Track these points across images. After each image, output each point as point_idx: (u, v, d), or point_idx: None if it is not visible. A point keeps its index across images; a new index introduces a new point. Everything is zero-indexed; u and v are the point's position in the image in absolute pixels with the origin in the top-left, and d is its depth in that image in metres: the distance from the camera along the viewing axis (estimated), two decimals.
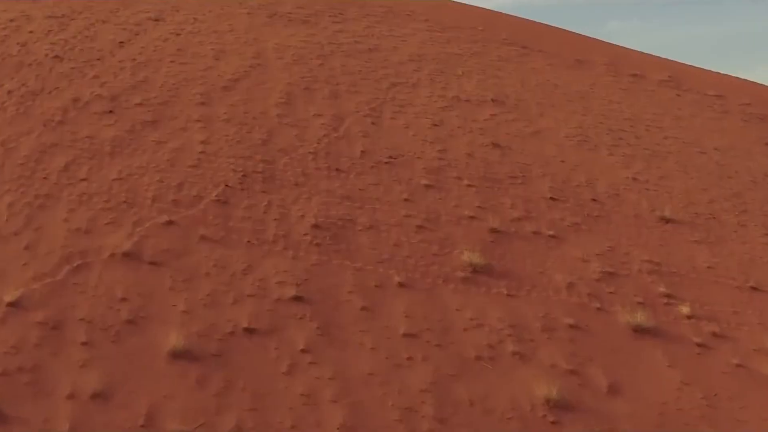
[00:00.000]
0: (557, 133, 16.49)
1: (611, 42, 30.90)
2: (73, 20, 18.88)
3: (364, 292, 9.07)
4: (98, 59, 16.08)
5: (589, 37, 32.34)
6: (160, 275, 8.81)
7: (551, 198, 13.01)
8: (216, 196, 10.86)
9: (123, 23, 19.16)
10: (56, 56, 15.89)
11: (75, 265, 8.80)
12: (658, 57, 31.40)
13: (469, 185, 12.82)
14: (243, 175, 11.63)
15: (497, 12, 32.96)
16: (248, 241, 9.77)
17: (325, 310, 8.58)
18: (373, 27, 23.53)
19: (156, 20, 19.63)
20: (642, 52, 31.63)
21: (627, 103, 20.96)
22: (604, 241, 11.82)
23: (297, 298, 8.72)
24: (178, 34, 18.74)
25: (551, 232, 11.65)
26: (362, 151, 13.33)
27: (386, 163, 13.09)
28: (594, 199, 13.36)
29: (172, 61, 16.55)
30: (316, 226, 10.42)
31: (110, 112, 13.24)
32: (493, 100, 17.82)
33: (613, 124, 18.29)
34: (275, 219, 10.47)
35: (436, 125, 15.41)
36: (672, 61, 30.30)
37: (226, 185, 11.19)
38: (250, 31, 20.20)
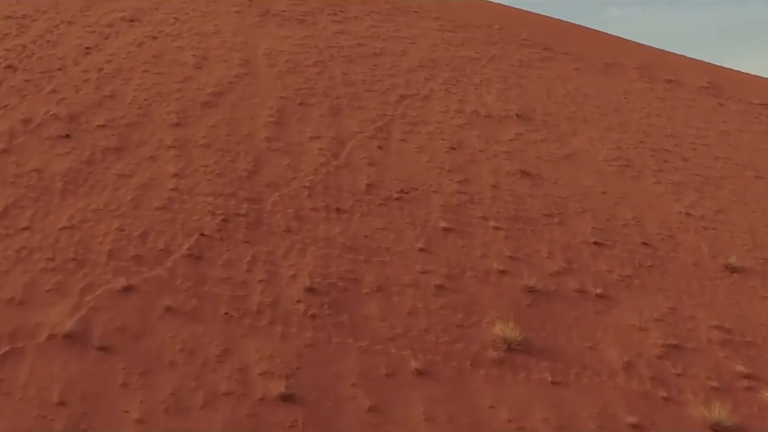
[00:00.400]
0: (594, 156, 14.83)
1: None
2: (35, 21, 17.23)
3: (372, 385, 7.42)
4: (59, 69, 14.42)
5: (616, 36, 30.67)
6: (110, 366, 7.16)
7: (595, 243, 11.35)
8: (188, 248, 9.21)
9: (92, 25, 17.50)
10: (9, 66, 14.24)
11: (1, 352, 7.15)
12: (692, 59, 29.71)
13: (496, 227, 11.16)
14: (223, 220, 9.98)
15: (513, 8, 31.29)
16: (226, 313, 8.12)
17: (322, 414, 6.93)
18: (377, 26, 21.86)
19: (131, 21, 17.97)
20: (674, 53, 29.97)
21: (667, 116, 19.28)
22: (661, 300, 10.16)
23: (286, 397, 7.08)
24: (155, 38, 17.08)
25: (599, 290, 10.00)
26: (368, 184, 11.67)
27: (397, 199, 11.43)
28: (645, 243, 11.70)
29: (145, 71, 14.89)
30: (311, 290, 8.77)
31: (66, 136, 11.59)
32: (517, 116, 16.15)
33: (655, 142, 16.62)
34: (260, 280, 8.82)
35: (453, 148, 13.75)
36: (708, 63, 28.62)
37: (201, 234, 9.53)
38: (238, 33, 18.53)
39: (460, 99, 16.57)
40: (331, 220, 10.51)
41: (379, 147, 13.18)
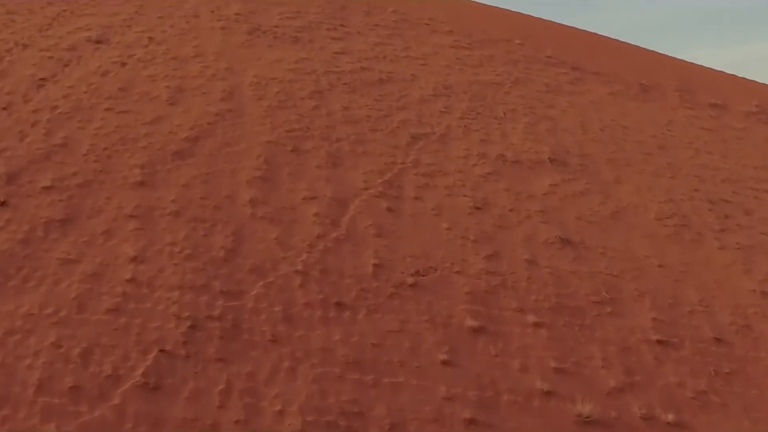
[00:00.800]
0: (645, 213, 13.04)
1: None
2: None
3: None
4: (4, 108, 12.65)
5: (648, 50, 28.92)
6: None
7: (658, 341, 9.57)
8: (143, 373, 7.43)
9: (51, 48, 15.73)
10: None
11: None
12: (734, 76, 27.95)
13: (536, 323, 9.37)
14: (190, 326, 8.19)
15: (534, 17, 29.56)
16: None
17: None
18: (383, 44, 20.09)
19: (97, 42, 16.20)
20: (713, 70, 28.20)
21: (718, 153, 17.50)
22: (748, 426, 8.37)
23: None
24: (123, 64, 15.30)
25: (670, 416, 8.22)
26: (375, 265, 9.89)
27: (412, 285, 9.64)
28: (718, 339, 9.91)
29: (108, 109, 13.12)
30: None
31: (2, 204, 9.82)
32: (550, 160, 14.37)
33: (710, 190, 14.83)
34: (237, 421, 7.02)
35: (478, 208, 11.96)
36: (753, 82, 26.84)
37: (161, 350, 7.75)
38: (222, 55, 16.76)
39: (483, 138, 14.79)
40: (329, 321, 8.72)
41: (389, 209, 11.38)
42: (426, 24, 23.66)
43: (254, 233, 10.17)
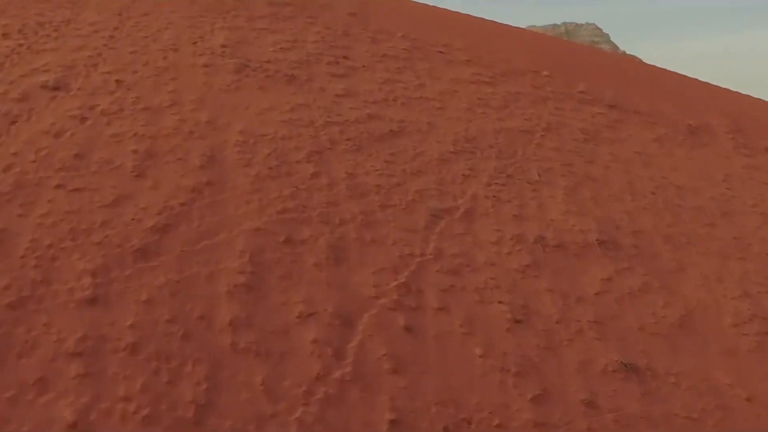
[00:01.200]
0: (718, 317, 11.12)
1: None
2: None
3: None
4: None
5: (686, 77, 27.06)
6: None
7: None
8: None
9: None
10: None
11: None
12: None
13: None
14: None
15: (559, 39, 27.71)
16: None
17: None
18: (393, 81, 18.21)
19: (55, 89, 14.32)
20: (761, 100, 26.32)
21: None
22: None
23: None
24: (83, 119, 13.41)
25: None
26: (392, 421, 7.97)
27: None
28: None
29: (59, 186, 11.22)
30: None
31: None
32: (599, 242, 12.46)
33: None
34: None
35: (518, 321, 10.05)
36: None
37: None
38: (203, 103, 14.87)
39: (516, 212, 12.88)
40: None
41: (407, 329, 9.47)
42: (440, 52, 21.80)
43: (235, 376, 8.24)
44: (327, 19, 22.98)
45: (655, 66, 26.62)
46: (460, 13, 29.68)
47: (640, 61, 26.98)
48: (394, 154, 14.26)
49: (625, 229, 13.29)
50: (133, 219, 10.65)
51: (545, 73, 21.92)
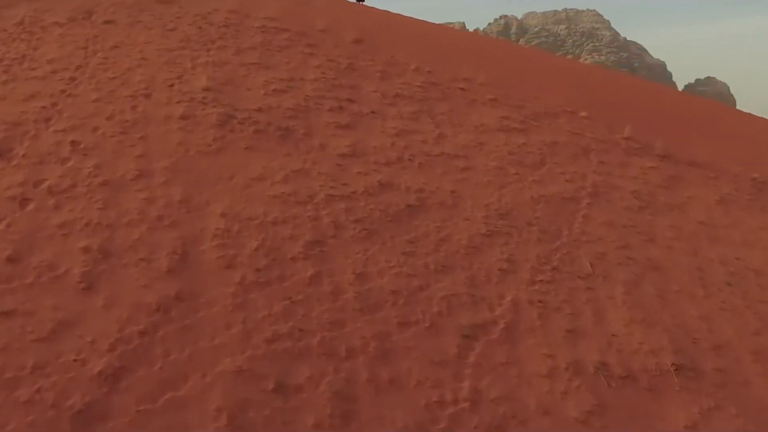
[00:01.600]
0: None
1: None
2: None
3: None
4: None
5: (741, 112, 24.90)
6: None
7: None
8: None
9: None
10: None
11: None
12: None
13: None
14: None
15: (589, 67, 25.60)
16: None
17: None
18: (408, 132, 16.09)
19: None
20: None
21: None
22: None
23: None
24: (24, 203, 11.28)
25: None
26: None
27: None
28: None
29: None
30: None
31: None
32: (676, 369, 10.30)
33: None
34: None
35: None
36: None
37: None
38: (177, 172, 12.75)
39: (570, 327, 10.72)
40: None
41: None
42: (461, 89, 19.68)
43: None
44: (328, 48, 20.88)
45: (701, 98, 24.48)
46: (477, 35, 27.58)
47: (685, 93, 24.84)
48: (414, 240, 12.11)
49: (703, 342, 11.12)
50: (75, 360, 8.49)
51: (583, 114, 19.78)
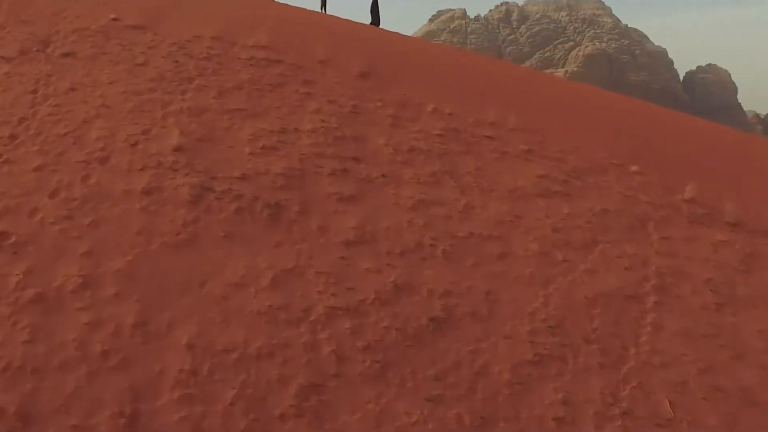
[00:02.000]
0: None
1: None
2: None
3: None
4: None
5: None
6: None
7: None
8: None
9: None
10: None
11: None
12: None
13: None
14: None
15: (629, 101, 23.15)
16: None
17: None
18: (427, 203, 13.70)
19: None
20: None
21: None
22: None
23: None
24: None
25: None
26: None
27: None
28: None
29: None
30: None
31: None
32: None
33: None
34: None
35: None
36: None
37: None
38: (133, 279, 10.36)
39: None
40: None
41: None
42: (488, 137, 17.27)
43: None
44: (329, 85, 18.47)
45: (758, 137, 21.97)
46: (501, 63, 25.18)
47: (750, 135, 22.43)
48: (441, 376, 9.68)
49: None
50: None
51: (634, 168, 17.36)
